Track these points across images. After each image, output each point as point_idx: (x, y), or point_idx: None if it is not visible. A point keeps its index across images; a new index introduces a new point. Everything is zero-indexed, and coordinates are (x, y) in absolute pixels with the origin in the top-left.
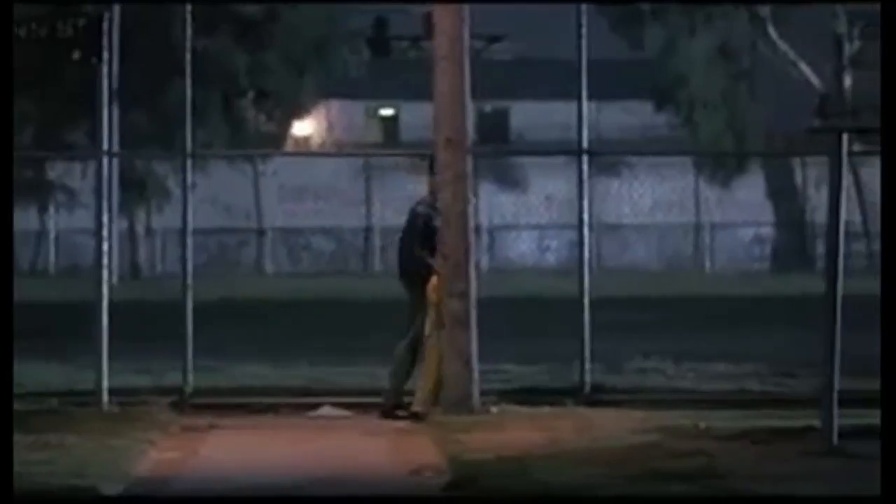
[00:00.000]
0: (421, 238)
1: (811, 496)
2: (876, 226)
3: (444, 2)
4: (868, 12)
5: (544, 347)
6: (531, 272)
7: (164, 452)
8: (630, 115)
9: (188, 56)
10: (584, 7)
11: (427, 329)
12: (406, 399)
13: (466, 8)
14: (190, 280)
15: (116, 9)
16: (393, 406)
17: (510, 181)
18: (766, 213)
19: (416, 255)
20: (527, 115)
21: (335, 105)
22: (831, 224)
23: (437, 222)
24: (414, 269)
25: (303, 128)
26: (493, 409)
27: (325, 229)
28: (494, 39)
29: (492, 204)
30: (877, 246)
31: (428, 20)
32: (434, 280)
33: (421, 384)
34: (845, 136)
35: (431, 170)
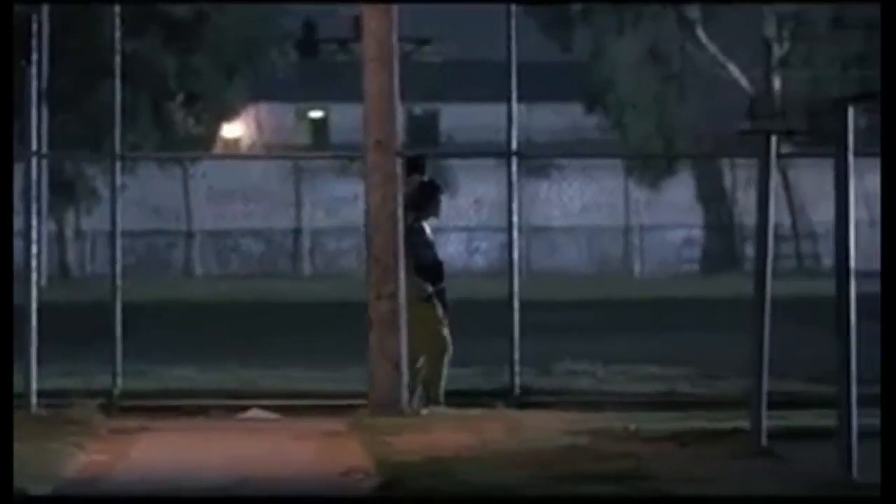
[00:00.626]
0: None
1: (738, 496)
2: (805, 227)
3: (372, 1)
4: (797, 14)
5: (474, 350)
6: (460, 274)
7: (93, 455)
8: (560, 118)
9: (117, 58)
10: (513, 9)
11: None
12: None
13: (395, 10)
14: (119, 282)
15: (45, 10)
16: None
17: (440, 183)
18: (696, 215)
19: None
20: (457, 117)
21: (264, 107)
22: (760, 226)
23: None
24: None
25: (232, 130)
26: (423, 412)
27: (255, 231)
28: (424, 42)
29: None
30: (806, 247)
31: (357, 22)
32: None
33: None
34: (774, 138)
35: (407, 172)
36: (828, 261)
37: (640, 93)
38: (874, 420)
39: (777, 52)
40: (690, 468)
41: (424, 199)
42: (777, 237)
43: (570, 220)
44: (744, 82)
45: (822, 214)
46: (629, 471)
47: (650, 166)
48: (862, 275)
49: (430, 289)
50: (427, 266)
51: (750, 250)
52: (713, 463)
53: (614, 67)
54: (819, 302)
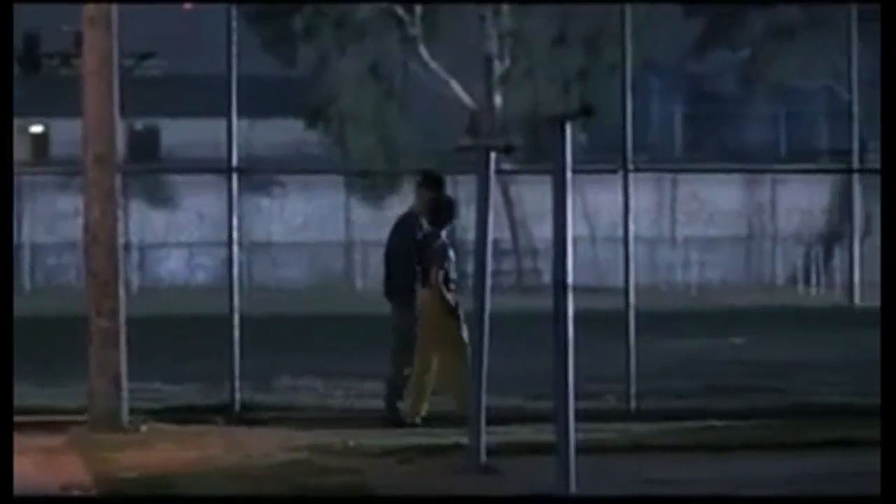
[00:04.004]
0: (418, 255)
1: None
2: (526, 243)
3: (95, 1)
4: (517, 33)
5: (194, 366)
6: (182, 290)
7: None
8: (282, 134)
9: None
10: (234, 24)
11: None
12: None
13: (116, 24)
14: None
15: None
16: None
17: (161, 199)
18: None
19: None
20: (178, 133)
21: None
22: (479, 241)
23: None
24: (404, 285)
25: None
26: (143, 428)
27: None
28: (145, 56)
29: (142, 221)
30: (526, 263)
31: (78, 37)
32: (426, 294)
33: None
34: (493, 154)
35: (420, 186)
36: (548, 276)
37: (362, 109)
38: (592, 435)
39: (498, 68)
40: (409, 483)
41: (441, 212)
42: (498, 253)
43: (292, 236)
44: (465, 99)
45: (543, 230)
46: (349, 486)
47: (372, 183)
48: (582, 290)
49: (454, 300)
50: (447, 280)
51: (470, 266)
52: (432, 478)
53: (336, 84)
54: (539, 317)
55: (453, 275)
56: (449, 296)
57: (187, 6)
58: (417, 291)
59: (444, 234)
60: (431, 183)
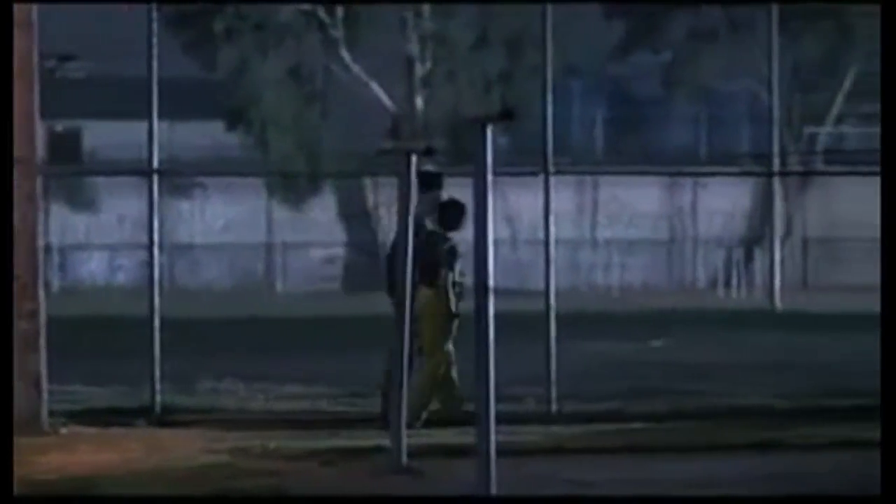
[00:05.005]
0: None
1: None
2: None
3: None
4: (438, 35)
5: (115, 368)
6: (102, 292)
7: None
8: (203, 136)
9: None
10: (154, 27)
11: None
12: None
13: (36, 25)
14: None
15: None
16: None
17: (82, 201)
18: (338, 233)
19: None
20: (99, 135)
21: None
22: (401, 244)
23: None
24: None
25: None
26: (63, 430)
27: None
28: (66, 58)
29: (63, 223)
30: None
31: None
32: (424, 294)
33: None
34: (414, 157)
35: (425, 188)
36: (470, 279)
37: (283, 111)
38: (513, 437)
39: (419, 71)
40: (330, 485)
41: (452, 215)
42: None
43: (213, 238)
44: (387, 101)
45: (465, 232)
46: (270, 488)
47: (293, 185)
48: (503, 292)
49: (456, 305)
50: (454, 283)
51: None
52: (353, 480)
53: (257, 86)
54: (462, 319)
55: (459, 278)
56: (453, 299)
57: (125, 7)
58: (419, 291)
59: (452, 235)
60: (432, 183)
